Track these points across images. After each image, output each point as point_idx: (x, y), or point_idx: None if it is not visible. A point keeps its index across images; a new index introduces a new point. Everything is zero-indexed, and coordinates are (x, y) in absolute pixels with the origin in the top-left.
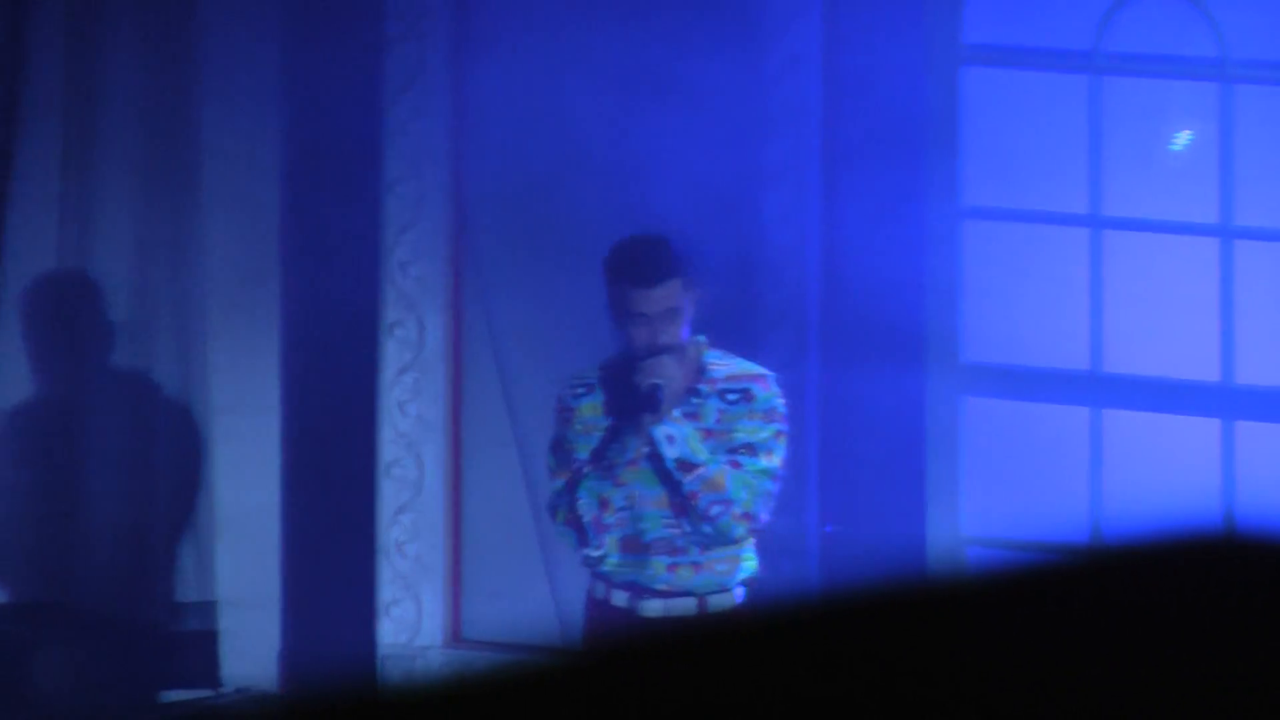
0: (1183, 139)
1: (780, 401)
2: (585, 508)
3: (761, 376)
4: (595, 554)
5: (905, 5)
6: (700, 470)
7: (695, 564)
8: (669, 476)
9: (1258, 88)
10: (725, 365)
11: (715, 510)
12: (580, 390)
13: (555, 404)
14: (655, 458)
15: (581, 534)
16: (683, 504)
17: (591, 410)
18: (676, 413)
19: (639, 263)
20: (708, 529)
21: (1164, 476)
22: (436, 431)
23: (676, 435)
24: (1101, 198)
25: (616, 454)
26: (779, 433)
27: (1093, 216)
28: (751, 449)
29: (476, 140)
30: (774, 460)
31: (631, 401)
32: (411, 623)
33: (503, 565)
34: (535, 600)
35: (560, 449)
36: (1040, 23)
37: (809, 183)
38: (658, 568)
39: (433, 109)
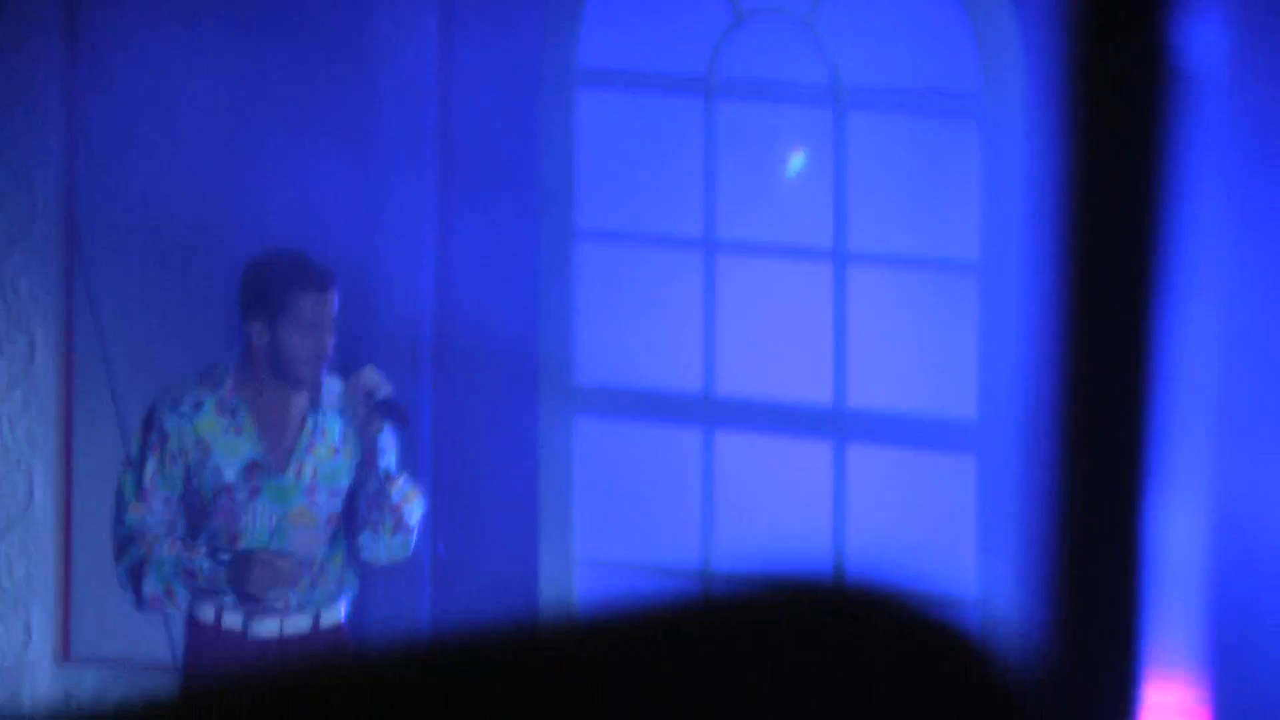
0: (797, 163)
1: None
2: (216, 536)
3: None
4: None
5: (520, 29)
6: (400, 482)
7: (312, 579)
8: (378, 488)
9: (869, 113)
10: (334, 380)
11: (414, 521)
12: (190, 407)
13: (149, 422)
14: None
15: (204, 569)
16: (378, 517)
17: (209, 426)
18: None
19: (309, 268)
20: (399, 541)
21: (777, 499)
22: (46, 448)
23: (391, 446)
24: (715, 221)
25: (273, 470)
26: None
27: (706, 240)
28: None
29: (90, 154)
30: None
31: (356, 410)
32: (19, 640)
33: (114, 582)
34: (147, 618)
35: (145, 468)
36: (656, 46)
37: (424, 206)
38: None
39: (44, 122)
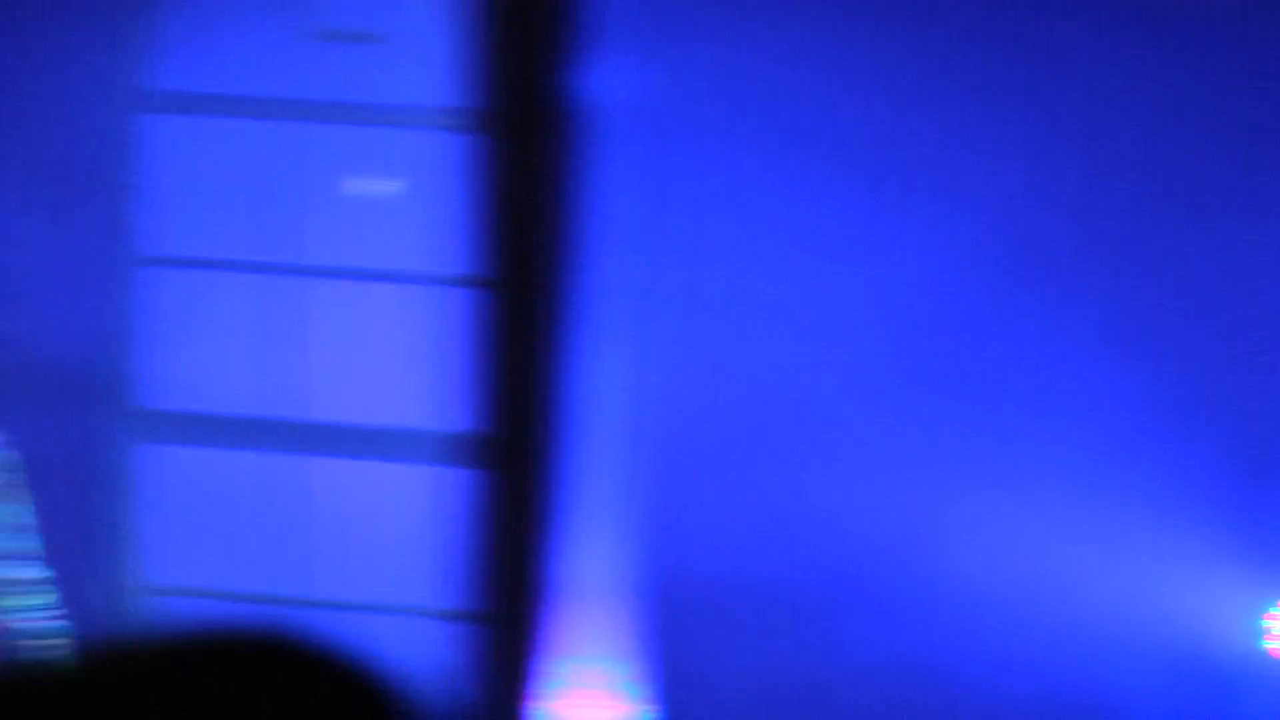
0: (364, 185)
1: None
2: None
3: None
4: None
5: (87, 48)
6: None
7: None
8: None
9: (428, 133)
10: None
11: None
12: None
13: None
14: None
15: None
16: None
17: None
18: None
19: None
20: None
21: (370, 520)
22: None
23: None
24: (285, 244)
25: None
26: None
27: (273, 263)
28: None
29: None
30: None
31: None
32: None
33: None
34: None
35: None
36: (225, 68)
37: None
38: None
39: None
